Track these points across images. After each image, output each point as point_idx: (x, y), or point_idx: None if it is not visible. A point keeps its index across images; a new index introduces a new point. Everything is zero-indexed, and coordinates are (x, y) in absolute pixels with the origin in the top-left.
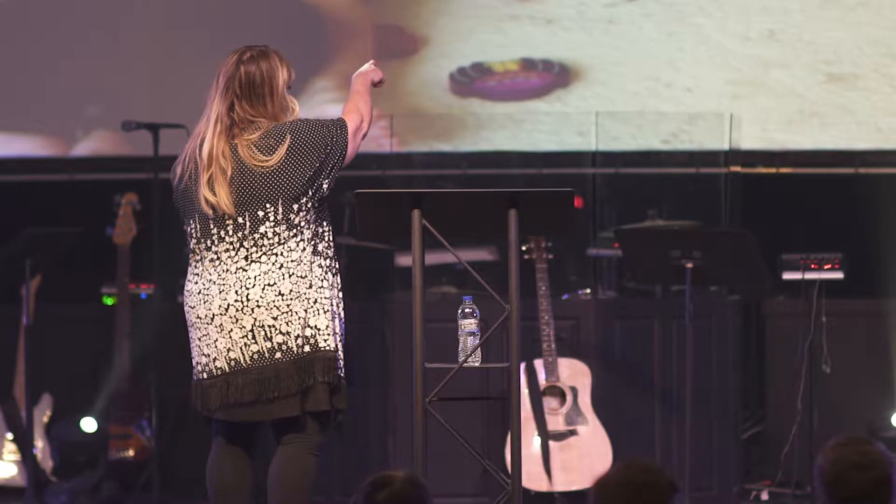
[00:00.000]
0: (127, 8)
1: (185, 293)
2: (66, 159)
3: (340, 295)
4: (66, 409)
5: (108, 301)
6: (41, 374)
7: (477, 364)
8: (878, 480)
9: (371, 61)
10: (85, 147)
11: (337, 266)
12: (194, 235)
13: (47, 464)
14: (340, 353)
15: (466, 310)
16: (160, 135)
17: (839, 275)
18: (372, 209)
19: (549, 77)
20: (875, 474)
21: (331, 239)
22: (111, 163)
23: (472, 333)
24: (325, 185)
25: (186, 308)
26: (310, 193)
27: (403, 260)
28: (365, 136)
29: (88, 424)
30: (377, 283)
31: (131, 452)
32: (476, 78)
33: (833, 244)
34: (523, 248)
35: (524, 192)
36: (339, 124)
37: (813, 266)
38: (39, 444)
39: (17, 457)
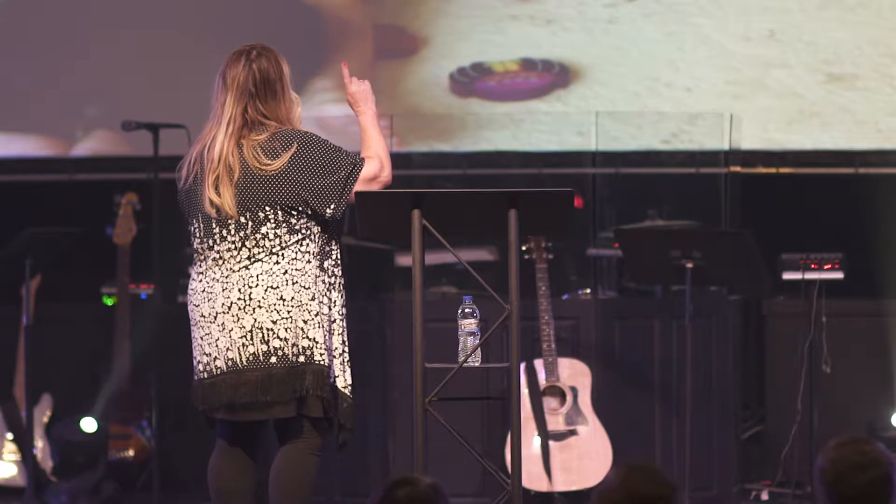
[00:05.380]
0: (127, 8)
1: (190, 291)
2: (66, 159)
3: (344, 312)
4: (66, 409)
5: (108, 301)
6: (41, 374)
7: (477, 364)
8: (878, 480)
9: (351, 81)
10: (85, 147)
11: (343, 282)
12: (198, 235)
13: (47, 464)
14: (334, 369)
15: (466, 310)
16: (160, 135)
17: (839, 275)
18: (372, 209)
19: (549, 77)
20: (875, 474)
21: (338, 257)
22: (111, 163)
23: (472, 333)
24: (328, 211)
25: (191, 307)
26: (309, 212)
27: (403, 260)
28: (384, 184)
29: (88, 424)
30: (377, 283)
31: (131, 452)
32: (476, 78)
33: (833, 244)
34: (523, 248)
35: (524, 192)
36: (355, 161)
37: (813, 266)
38: (39, 444)
39: (17, 457)
